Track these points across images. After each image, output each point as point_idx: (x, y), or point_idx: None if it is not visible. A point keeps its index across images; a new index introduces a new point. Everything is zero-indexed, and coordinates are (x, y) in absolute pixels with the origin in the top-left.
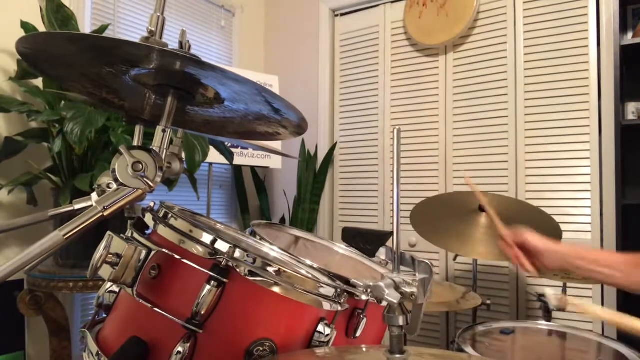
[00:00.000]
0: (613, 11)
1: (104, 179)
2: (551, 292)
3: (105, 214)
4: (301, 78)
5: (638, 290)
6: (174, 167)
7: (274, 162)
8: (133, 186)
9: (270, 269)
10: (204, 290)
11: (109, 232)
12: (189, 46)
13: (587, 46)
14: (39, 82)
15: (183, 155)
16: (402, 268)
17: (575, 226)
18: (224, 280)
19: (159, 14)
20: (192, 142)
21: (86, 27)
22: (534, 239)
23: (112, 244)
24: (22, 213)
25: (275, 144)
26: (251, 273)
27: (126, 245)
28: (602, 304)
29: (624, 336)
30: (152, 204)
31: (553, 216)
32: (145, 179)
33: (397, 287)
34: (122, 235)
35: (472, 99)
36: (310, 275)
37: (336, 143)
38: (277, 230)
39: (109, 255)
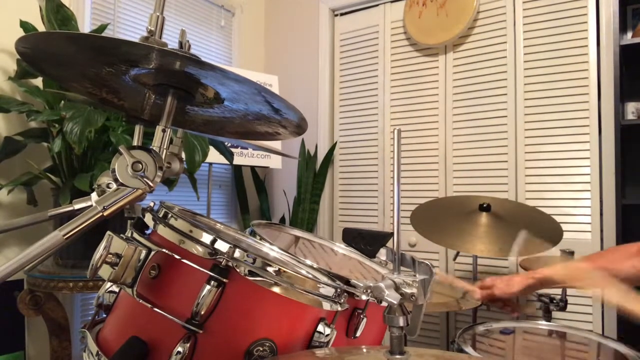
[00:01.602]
0: (613, 11)
1: (104, 179)
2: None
3: (105, 214)
4: (301, 78)
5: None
6: (173, 167)
7: (274, 162)
8: (133, 186)
9: (270, 269)
10: (203, 290)
11: (108, 232)
12: (189, 46)
13: (586, 46)
14: (38, 81)
15: (183, 155)
16: (403, 269)
17: (575, 226)
18: (224, 280)
19: (158, 14)
20: (192, 142)
21: (86, 27)
22: (505, 292)
23: (112, 244)
24: (22, 213)
25: (275, 144)
26: (251, 273)
27: (126, 245)
28: (602, 304)
29: (624, 336)
30: (152, 204)
31: (553, 216)
32: (145, 179)
33: (397, 288)
34: (122, 235)
35: (471, 99)
36: (310, 275)
37: (336, 143)
38: (277, 230)
39: (109, 255)
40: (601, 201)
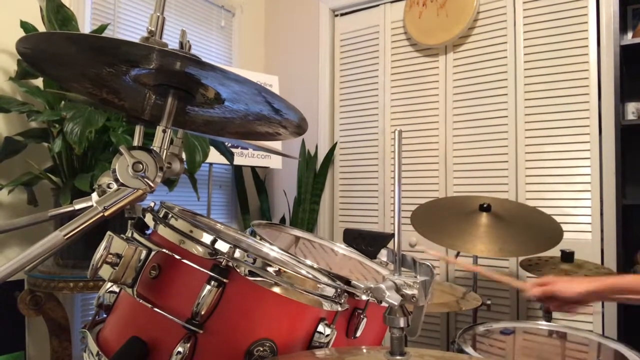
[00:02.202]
0: (613, 11)
1: (104, 179)
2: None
3: (106, 214)
4: (301, 78)
5: None
6: (174, 167)
7: (274, 162)
8: (133, 186)
9: (270, 269)
10: (204, 290)
11: (109, 232)
12: (189, 46)
13: (587, 46)
14: (39, 82)
15: (183, 156)
16: (403, 269)
17: (575, 226)
18: (224, 280)
19: (158, 14)
20: (193, 142)
21: (86, 27)
22: (565, 291)
23: (112, 244)
24: (22, 213)
25: (276, 144)
26: (251, 273)
27: (126, 245)
28: (602, 308)
29: (624, 336)
30: (152, 204)
31: (553, 216)
32: (145, 179)
33: (397, 289)
34: (122, 235)
35: (472, 99)
36: (310, 275)
37: (336, 143)
38: (277, 230)
39: (109, 256)
40: (601, 201)
